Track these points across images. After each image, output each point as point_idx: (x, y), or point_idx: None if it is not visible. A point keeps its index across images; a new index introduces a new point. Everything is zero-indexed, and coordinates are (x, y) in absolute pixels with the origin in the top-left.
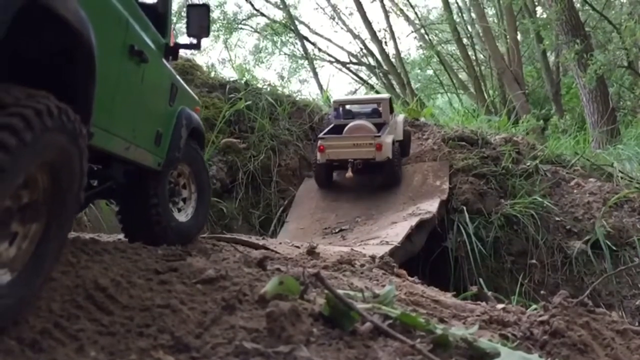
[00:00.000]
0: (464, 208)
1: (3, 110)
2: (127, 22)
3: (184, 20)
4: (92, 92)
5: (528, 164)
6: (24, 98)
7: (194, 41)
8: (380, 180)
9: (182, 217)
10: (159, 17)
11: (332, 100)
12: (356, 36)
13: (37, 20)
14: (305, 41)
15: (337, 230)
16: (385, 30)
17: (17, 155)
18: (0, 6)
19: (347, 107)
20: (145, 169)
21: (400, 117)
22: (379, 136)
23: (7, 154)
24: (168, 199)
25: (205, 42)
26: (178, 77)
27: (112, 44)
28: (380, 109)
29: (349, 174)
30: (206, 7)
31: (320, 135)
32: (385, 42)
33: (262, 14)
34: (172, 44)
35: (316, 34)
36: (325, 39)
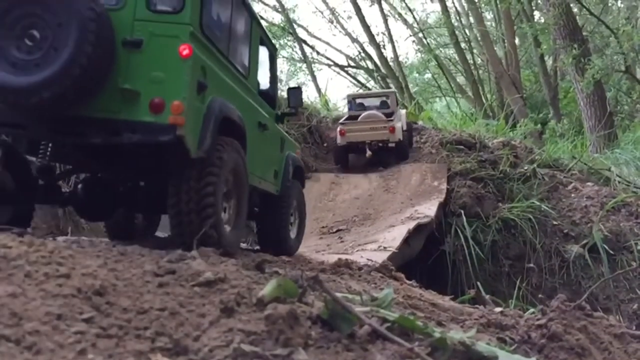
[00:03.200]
0: (462, 212)
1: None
2: (257, 109)
3: None
4: (246, 146)
5: (526, 167)
6: (220, 142)
7: (292, 110)
8: (393, 158)
9: (292, 235)
10: (271, 98)
11: (346, 95)
12: (354, 39)
13: (222, 122)
14: (303, 44)
15: (334, 230)
16: (384, 34)
17: (222, 169)
18: (214, 121)
19: (359, 100)
20: (271, 199)
21: (403, 111)
22: (392, 120)
23: (218, 172)
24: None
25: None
26: (284, 133)
27: (251, 123)
28: (388, 101)
29: (369, 153)
30: (300, 88)
31: (341, 121)
32: (384, 46)
33: (261, 17)
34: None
35: (314, 37)
36: (324, 42)
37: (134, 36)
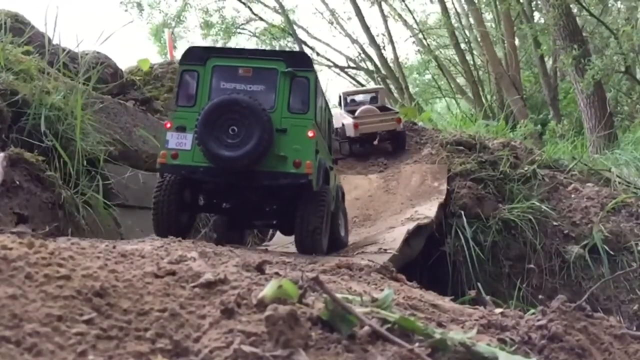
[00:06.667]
0: (462, 212)
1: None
2: (329, 158)
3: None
4: (329, 184)
5: (526, 168)
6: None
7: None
8: (395, 147)
9: (342, 233)
10: (329, 146)
11: (340, 92)
12: (354, 41)
13: (324, 171)
14: (303, 45)
15: None
16: (384, 35)
17: (326, 200)
18: (322, 171)
19: (352, 97)
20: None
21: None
22: (397, 112)
23: (325, 201)
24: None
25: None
26: (335, 170)
27: (328, 168)
28: (377, 96)
29: (376, 142)
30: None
31: (351, 116)
32: (384, 47)
33: (261, 19)
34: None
35: (314, 38)
36: (324, 43)
37: (282, 126)
